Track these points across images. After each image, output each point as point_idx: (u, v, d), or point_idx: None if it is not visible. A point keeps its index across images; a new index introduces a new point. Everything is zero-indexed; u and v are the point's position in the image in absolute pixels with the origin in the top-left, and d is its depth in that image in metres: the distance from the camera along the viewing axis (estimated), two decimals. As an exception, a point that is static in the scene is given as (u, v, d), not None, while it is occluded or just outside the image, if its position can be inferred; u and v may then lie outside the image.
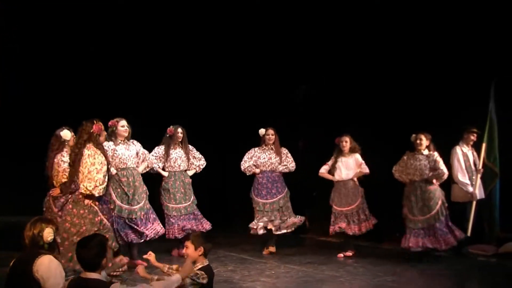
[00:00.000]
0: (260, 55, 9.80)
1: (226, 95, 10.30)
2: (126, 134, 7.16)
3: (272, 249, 8.15)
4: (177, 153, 7.90)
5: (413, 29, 8.49)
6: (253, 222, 8.22)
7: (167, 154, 7.83)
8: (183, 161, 7.93)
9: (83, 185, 5.89)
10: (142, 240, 7.19)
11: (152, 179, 7.94)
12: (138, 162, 7.31)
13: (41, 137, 7.03)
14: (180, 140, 7.90)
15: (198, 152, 8.10)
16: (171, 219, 7.84)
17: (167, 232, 7.79)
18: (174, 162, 7.87)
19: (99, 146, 6.07)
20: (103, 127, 6.16)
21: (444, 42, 8.37)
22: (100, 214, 6.00)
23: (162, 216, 7.88)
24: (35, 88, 8.90)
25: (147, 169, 7.49)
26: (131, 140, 7.28)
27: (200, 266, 4.45)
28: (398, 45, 8.72)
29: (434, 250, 7.50)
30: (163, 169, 7.90)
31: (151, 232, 7.26)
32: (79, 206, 5.95)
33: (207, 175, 8.26)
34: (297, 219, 8.27)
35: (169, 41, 9.63)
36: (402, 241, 7.60)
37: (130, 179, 7.15)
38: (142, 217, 7.19)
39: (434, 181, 7.51)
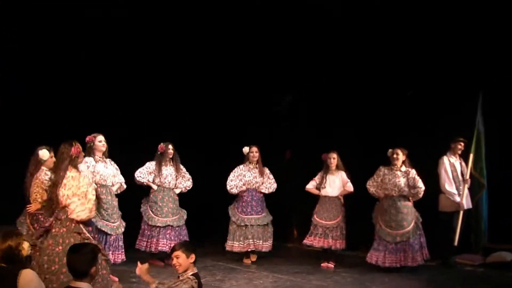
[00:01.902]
0: (247, 69, 9.84)
1: (211, 109, 10.29)
2: (104, 149, 7.09)
3: (254, 258, 8.23)
4: (167, 170, 7.92)
5: (397, 40, 8.59)
6: (229, 242, 8.18)
7: (159, 170, 7.84)
8: (173, 178, 7.95)
9: (75, 213, 5.72)
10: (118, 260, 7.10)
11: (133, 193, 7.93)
12: (113, 182, 7.22)
13: (40, 138, 6.87)
14: (171, 156, 7.92)
15: (188, 173, 8.11)
16: (153, 232, 7.79)
17: (145, 246, 7.78)
18: (165, 179, 7.89)
19: (77, 169, 5.96)
20: (81, 149, 6.06)
21: (427, 53, 8.46)
22: (84, 232, 5.81)
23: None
24: (35, 88, 8.80)
25: (119, 191, 7.34)
26: (108, 160, 7.21)
27: (191, 273, 4.39)
28: (381, 55, 8.81)
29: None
30: (154, 183, 7.91)
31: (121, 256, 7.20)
32: (60, 225, 5.76)
33: (194, 185, 8.21)
34: (269, 244, 8.26)
35: (157, 54, 9.60)
36: (369, 256, 7.64)
37: (109, 198, 7.08)
38: (117, 237, 7.13)
39: (410, 198, 7.57)
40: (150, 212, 7.85)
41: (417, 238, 7.50)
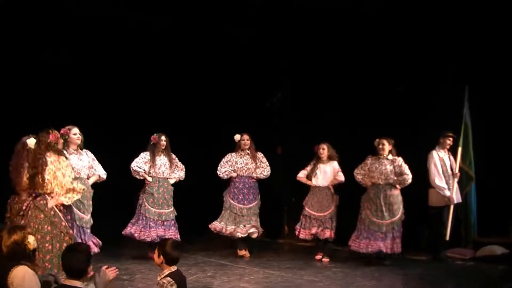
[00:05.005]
0: (239, 63, 9.84)
1: (203, 102, 10.27)
2: (79, 142, 6.96)
3: (242, 252, 8.23)
4: (161, 160, 7.95)
5: (385, 32, 8.62)
6: (216, 222, 8.21)
7: (153, 160, 7.86)
8: (167, 168, 7.98)
9: (59, 198, 5.73)
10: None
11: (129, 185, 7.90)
12: (89, 174, 7.06)
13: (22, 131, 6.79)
14: (163, 147, 7.94)
15: (180, 163, 8.13)
16: (151, 223, 7.84)
17: (142, 235, 7.80)
18: (159, 169, 7.92)
19: (61, 153, 5.95)
20: (59, 135, 6.05)
21: (414, 46, 8.50)
22: (63, 220, 5.81)
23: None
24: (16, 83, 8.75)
25: (98, 181, 7.19)
26: (84, 150, 7.08)
27: (167, 273, 4.35)
28: (366, 49, 8.84)
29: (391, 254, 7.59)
30: (148, 173, 7.92)
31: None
32: (38, 210, 5.75)
33: (185, 180, 8.21)
34: (259, 230, 8.27)
35: (146, 48, 9.59)
36: (352, 243, 7.71)
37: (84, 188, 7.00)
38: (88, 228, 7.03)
39: (398, 185, 7.60)
40: (147, 204, 7.87)
41: (401, 226, 7.58)
